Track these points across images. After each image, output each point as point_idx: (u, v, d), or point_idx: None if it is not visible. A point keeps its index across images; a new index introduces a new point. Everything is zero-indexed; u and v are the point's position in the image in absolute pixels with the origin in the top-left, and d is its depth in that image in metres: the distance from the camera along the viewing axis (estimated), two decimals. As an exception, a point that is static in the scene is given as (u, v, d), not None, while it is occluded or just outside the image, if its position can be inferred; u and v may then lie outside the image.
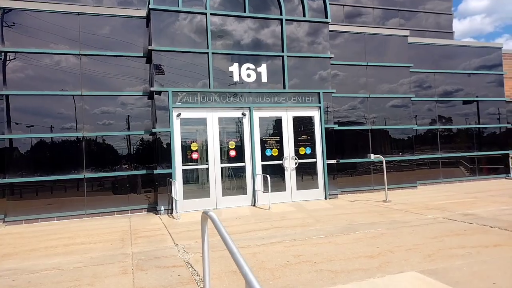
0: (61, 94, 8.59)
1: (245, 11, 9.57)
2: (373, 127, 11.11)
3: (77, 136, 8.67)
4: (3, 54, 8.25)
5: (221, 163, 9.22)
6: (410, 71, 11.66)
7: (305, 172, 9.91)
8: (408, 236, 5.50)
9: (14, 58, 8.33)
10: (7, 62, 8.28)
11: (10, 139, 8.23)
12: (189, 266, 4.54)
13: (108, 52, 8.92)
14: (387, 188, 9.16)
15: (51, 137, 8.54)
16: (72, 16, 8.72)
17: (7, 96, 8.22)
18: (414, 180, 11.39)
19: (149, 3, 8.81)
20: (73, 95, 8.66)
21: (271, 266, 4.37)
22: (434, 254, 4.55)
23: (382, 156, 9.52)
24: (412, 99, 11.61)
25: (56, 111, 8.58)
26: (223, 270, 4.28)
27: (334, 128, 10.13)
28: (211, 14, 9.26)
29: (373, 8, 16.20)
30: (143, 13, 9.31)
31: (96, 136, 8.86)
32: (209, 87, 9.11)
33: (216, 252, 4.86)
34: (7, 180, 8.13)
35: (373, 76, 11.17)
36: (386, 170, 9.21)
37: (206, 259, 3.00)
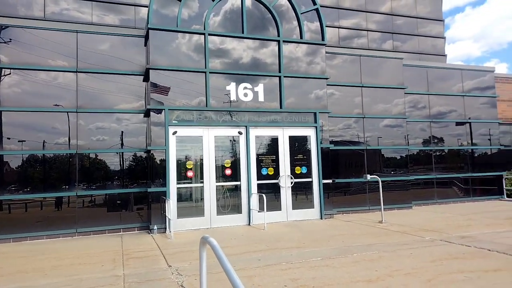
0: (55, 110, 8.51)
1: (243, 32, 9.67)
2: (368, 147, 11.15)
3: (70, 153, 8.54)
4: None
5: (217, 181, 9.12)
6: (405, 93, 11.80)
7: (301, 191, 9.83)
8: (406, 259, 5.42)
9: (10, 74, 8.27)
10: (2, 77, 8.21)
11: (1, 155, 8.06)
12: (183, 289, 4.40)
13: (105, 69, 8.89)
14: (383, 209, 9.11)
15: (43, 154, 8.39)
16: (70, 34, 8.73)
17: (0, 111, 8.12)
18: (409, 201, 11.37)
19: (147, 23, 8.87)
20: (67, 112, 8.57)
21: (268, 291, 4.25)
22: (434, 279, 4.47)
23: (377, 175, 9.50)
24: (407, 120, 11.71)
25: (50, 126, 8.46)
26: (219, 295, 4.15)
27: (330, 148, 10.13)
28: (209, 34, 9.34)
29: (367, 31, 16.56)
30: (142, 32, 9.37)
31: (89, 153, 8.73)
32: (206, 106, 9.10)
33: (212, 275, 4.72)
34: (-3, 197, 7.95)
35: (369, 97, 11.27)
36: (381, 190, 9.18)
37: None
